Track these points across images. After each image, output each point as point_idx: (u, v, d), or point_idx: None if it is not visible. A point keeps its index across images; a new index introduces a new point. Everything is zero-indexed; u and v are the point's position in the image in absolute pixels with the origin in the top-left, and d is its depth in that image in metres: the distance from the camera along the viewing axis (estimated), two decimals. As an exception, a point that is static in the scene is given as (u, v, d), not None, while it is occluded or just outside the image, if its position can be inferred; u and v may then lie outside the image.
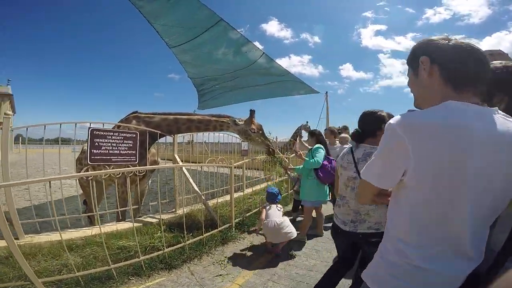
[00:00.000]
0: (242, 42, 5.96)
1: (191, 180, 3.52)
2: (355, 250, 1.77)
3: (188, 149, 16.30)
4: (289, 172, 4.55)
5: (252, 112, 3.61)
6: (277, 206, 3.22)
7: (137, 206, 3.57)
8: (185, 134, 4.79)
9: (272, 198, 3.25)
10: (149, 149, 3.36)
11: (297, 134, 9.31)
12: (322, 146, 3.41)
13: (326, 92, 9.46)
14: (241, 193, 5.33)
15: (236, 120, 3.59)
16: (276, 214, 3.08)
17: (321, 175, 3.26)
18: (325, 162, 3.32)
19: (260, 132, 3.62)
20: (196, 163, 6.04)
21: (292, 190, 4.46)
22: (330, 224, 2.06)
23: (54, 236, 2.80)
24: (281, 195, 3.55)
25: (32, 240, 2.73)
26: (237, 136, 3.73)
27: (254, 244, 3.25)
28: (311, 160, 3.25)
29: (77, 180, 3.74)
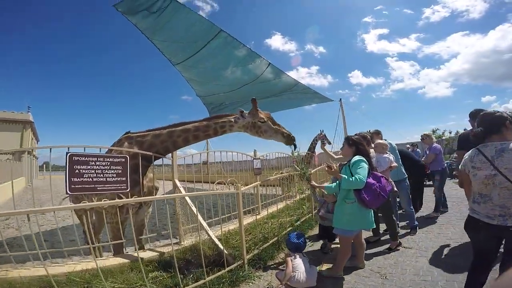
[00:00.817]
0: (245, 53, 5.64)
1: (194, 210, 2.95)
2: (498, 244, 1.78)
3: (204, 169, 16.10)
4: (315, 191, 3.64)
5: (254, 100, 3.04)
6: (303, 254, 2.64)
7: (128, 238, 3.05)
8: (195, 153, 4.33)
9: (296, 248, 2.63)
10: (145, 173, 2.91)
11: (313, 146, 8.63)
12: (365, 159, 2.58)
13: (340, 99, 8.85)
14: (256, 216, 4.72)
15: (243, 112, 3.05)
16: (305, 266, 2.49)
17: (367, 197, 2.41)
18: (371, 180, 2.50)
19: (270, 118, 3.09)
20: (212, 182, 5.49)
21: (316, 213, 3.52)
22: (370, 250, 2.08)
23: (35, 271, 2.39)
24: (306, 240, 2.84)
25: (7, 275, 2.31)
26: (247, 133, 3.10)
27: (272, 285, 2.58)
28: (350, 179, 2.42)
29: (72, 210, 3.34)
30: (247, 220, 4.40)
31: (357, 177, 2.41)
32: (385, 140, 3.91)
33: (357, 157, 2.60)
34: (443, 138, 23.07)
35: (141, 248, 3.18)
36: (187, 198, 2.98)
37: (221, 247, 2.73)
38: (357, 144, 2.70)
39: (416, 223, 3.81)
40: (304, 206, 4.86)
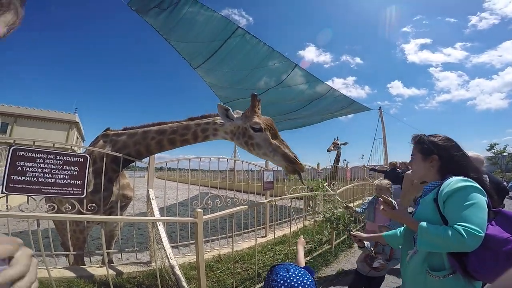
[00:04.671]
0: (266, 52, 5.08)
1: (163, 238, 2.26)
2: None
3: (230, 176, 15.77)
4: (368, 247, 1.88)
5: (253, 96, 2.17)
6: None
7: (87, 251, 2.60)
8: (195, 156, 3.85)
9: None
10: (115, 178, 2.47)
11: (338, 157, 7.46)
12: (477, 184, 1.20)
13: (380, 107, 7.63)
14: (264, 239, 3.96)
15: (229, 112, 2.17)
16: None
17: (481, 270, 1.13)
18: (497, 233, 1.15)
19: (270, 127, 2.08)
20: (239, 191, 4.95)
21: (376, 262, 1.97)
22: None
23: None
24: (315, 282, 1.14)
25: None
26: (236, 144, 2.26)
27: None
28: (447, 232, 1.10)
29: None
30: (247, 244, 3.68)
31: (461, 228, 1.10)
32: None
33: (461, 182, 1.20)
34: (505, 154, 19.78)
35: (109, 261, 2.73)
36: (158, 225, 2.38)
37: (183, 284, 2.06)
38: (445, 150, 1.32)
39: None
40: (326, 231, 3.87)
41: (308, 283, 1.00)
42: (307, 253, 3.34)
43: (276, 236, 4.04)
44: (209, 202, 3.13)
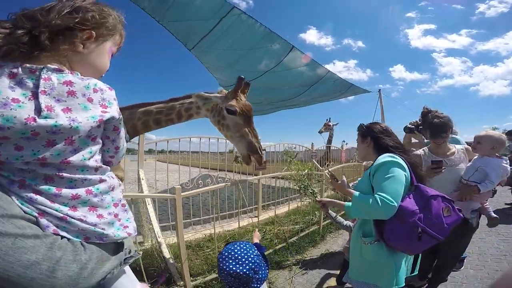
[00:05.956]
0: (263, 33, 4.95)
1: (152, 217, 2.35)
2: None
3: (230, 158, 15.75)
4: (331, 214, 2.14)
5: (240, 80, 2.09)
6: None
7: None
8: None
9: (243, 282, 1.11)
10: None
11: (331, 136, 7.60)
12: (401, 159, 1.41)
13: (379, 90, 7.56)
14: (256, 219, 4.07)
15: (205, 93, 2.14)
16: None
17: (392, 239, 1.32)
18: (409, 205, 1.31)
19: (245, 114, 2.06)
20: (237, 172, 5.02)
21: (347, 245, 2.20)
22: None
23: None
24: (266, 259, 1.23)
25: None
26: (210, 120, 2.24)
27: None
28: (367, 200, 1.33)
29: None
30: (242, 222, 3.80)
31: (378, 197, 1.28)
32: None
33: (386, 157, 1.41)
34: None
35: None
36: (147, 201, 2.45)
37: (171, 260, 2.17)
38: (375, 133, 1.58)
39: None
40: (317, 212, 3.99)
41: (253, 256, 1.09)
42: (295, 233, 3.46)
43: (268, 216, 4.16)
44: (200, 182, 3.21)
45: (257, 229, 1.60)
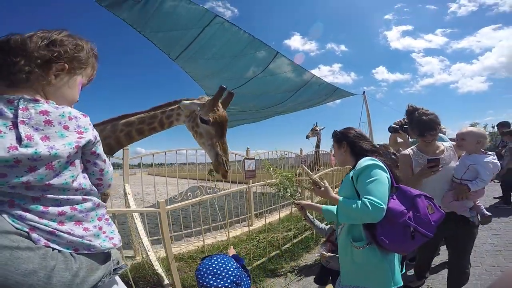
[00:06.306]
0: (247, 41, 4.99)
1: (140, 231, 2.27)
2: None
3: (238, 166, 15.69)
4: (309, 216, 2.15)
5: (221, 90, 2.08)
6: None
7: None
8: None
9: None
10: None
11: (319, 140, 7.75)
12: (380, 162, 1.44)
13: (364, 92, 7.75)
14: (249, 228, 4.01)
15: (186, 101, 2.11)
16: None
17: (386, 240, 1.31)
18: (396, 206, 1.35)
19: (218, 125, 2.03)
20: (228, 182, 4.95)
21: (321, 250, 2.07)
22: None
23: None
24: (247, 273, 1.18)
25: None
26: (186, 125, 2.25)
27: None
28: (353, 205, 1.33)
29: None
30: (232, 233, 3.73)
31: (366, 201, 1.28)
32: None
33: (367, 161, 1.43)
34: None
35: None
36: (135, 215, 2.37)
37: (162, 275, 2.09)
38: (351, 138, 1.61)
39: None
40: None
41: (232, 269, 1.04)
42: (289, 240, 3.43)
43: (261, 225, 4.11)
44: (189, 194, 3.14)
45: (232, 246, 1.56)
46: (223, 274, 1.01)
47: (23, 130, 0.60)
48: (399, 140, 2.98)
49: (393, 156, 3.08)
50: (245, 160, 4.14)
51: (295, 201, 2.08)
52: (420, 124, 1.93)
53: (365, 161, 1.43)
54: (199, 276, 1.03)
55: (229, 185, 4.49)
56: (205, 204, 3.15)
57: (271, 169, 2.38)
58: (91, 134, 0.73)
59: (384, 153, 5.84)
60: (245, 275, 1.11)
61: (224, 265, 1.04)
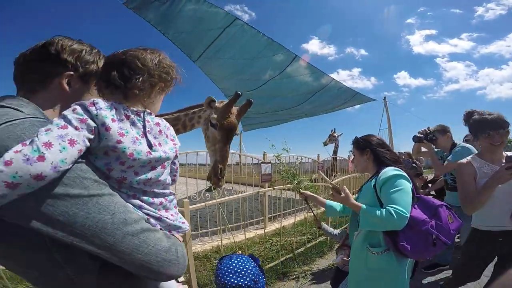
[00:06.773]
0: (266, 43, 5.02)
1: None
2: None
3: (236, 170, 15.93)
4: (323, 225, 2.22)
5: (236, 95, 2.03)
6: None
7: None
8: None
9: None
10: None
11: (336, 147, 7.59)
12: (406, 175, 1.50)
13: (384, 97, 7.51)
14: (262, 230, 4.02)
15: (212, 103, 2.07)
16: None
17: (408, 247, 1.34)
18: (419, 214, 1.41)
19: (225, 131, 1.99)
20: (244, 184, 5.06)
21: (341, 256, 1.99)
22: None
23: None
24: (263, 274, 1.21)
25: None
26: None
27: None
28: (377, 212, 1.36)
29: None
30: (246, 235, 3.76)
31: (391, 209, 1.32)
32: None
33: (392, 171, 1.46)
34: None
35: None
36: None
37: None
38: (374, 145, 1.63)
39: None
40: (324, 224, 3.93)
41: (251, 268, 1.12)
42: (302, 244, 3.42)
43: (275, 228, 4.12)
44: (207, 194, 3.21)
45: (240, 251, 1.65)
46: (243, 272, 1.09)
47: (151, 138, 0.77)
48: (423, 149, 2.90)
49: (414, 165, 3.00)
50: (262, 164, 4.17)
51: (300, 191, 2.18)
52: (482, 123, 1.66)
53: (390, 171, 1.48)
54: (220, 275, 1.09)
55: (245, 188, 4.55)
56: (223, 205, 3.21)
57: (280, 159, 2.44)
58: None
59: (405, 162, 5.69)
60: (261, 274, 1.18)
61: (244, 264, 1.12)
